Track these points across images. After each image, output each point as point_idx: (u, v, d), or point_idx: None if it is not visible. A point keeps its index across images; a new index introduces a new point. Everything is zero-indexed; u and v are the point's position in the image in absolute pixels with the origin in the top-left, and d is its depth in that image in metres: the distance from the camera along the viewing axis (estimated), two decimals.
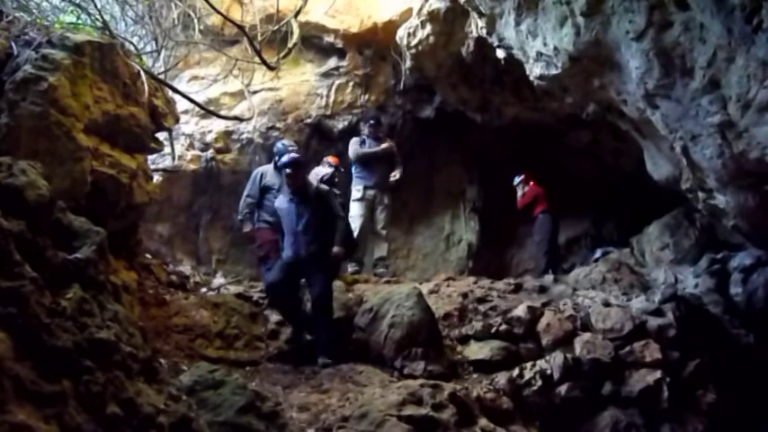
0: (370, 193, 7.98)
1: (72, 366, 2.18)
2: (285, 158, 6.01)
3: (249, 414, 3.36)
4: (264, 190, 6.86)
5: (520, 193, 8.87)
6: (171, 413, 2.55)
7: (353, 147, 8.09)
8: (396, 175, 8.07)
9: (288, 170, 5.77)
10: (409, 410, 4.28)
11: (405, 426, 4.12)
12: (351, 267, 7.75)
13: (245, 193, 6.98)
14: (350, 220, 7.56)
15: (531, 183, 8.79)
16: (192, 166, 9.13)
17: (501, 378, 5.31)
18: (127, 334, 2.61)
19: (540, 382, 5.27)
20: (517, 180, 8.93)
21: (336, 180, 7.60)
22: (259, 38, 7.80)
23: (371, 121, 8.33)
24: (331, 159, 7.72)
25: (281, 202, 5.92)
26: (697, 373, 5.59)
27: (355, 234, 7.53)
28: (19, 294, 2.11)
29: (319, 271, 5.59)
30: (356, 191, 7.98)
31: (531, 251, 9.34)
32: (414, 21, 8.08)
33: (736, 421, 5.52)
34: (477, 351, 5.73)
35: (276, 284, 5.68)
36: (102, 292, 2.63)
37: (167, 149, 7.08)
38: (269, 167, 7.07)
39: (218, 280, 7.89)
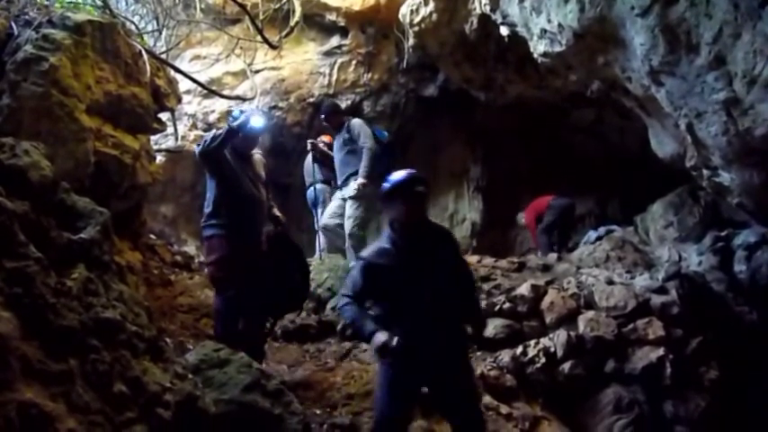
0: (337, 194, 6.98)
1: (78, 345, 2.19)
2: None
3: (254, 392, 3.39)
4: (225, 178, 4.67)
5: (525, 222, 8.88)
6: (177, 391, 2.57)
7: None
8: (360, 182, 6.52)
9: None
10: None
11: None
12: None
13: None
14: None
15: (526, 208, 8.79)
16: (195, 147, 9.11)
17: (505, 356, 5.34)
18: (132, 313, 2.63)
19: (543, 360, 5.30)
20: (520, 220, 8.96)
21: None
22: (261, 16, 7.74)
23: (322, 115, 7.30)
24: (326, 138, 7.67)
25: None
26: (700, 350, 5.61)
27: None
28: (24, 275, 2.12)
29: None
30: None
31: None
32: None
33: (739, 398, 5.55)
34: None
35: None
36: (107, 272, 2.64)
37: (170, 130, 7.06)
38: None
39: None
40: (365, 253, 3.65)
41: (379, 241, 3.68)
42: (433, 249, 3.56)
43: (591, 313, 5.81)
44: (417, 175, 3.61)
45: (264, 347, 4.81)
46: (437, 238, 3.65)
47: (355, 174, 6.63)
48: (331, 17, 9.40)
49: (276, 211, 4.99)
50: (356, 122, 6.98)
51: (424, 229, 3.61)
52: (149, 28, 6.66)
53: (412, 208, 3.52)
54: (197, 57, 9.23)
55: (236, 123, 4.52)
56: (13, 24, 4.47)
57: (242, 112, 4.72)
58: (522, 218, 8.87)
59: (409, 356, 3.29)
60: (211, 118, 9.33)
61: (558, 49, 5.48)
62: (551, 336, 5.54)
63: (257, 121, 4.62)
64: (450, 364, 3.49)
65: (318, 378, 4.71)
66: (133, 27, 5.90)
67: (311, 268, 5.48)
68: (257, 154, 5.02)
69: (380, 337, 3.23)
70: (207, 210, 4.66)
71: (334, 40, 9.65)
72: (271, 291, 4.57)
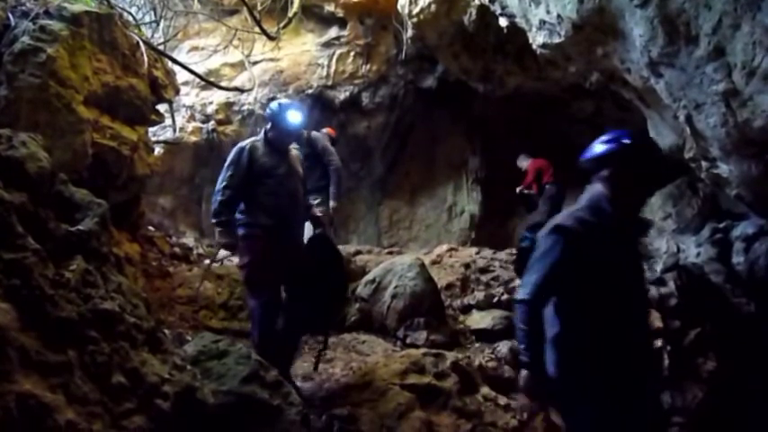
0: None
1: (77, 337, 2.19)
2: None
3: (253, 383, 3.39)
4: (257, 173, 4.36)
5: (527, 167, 8.86)
6: (176, 382, 2.57)
7: None
8: (333, 205, 6.13)
9: None
10: (412, 379, 4.33)
11: (408, 394, 4.17)
12: None
13: (224, 178, 4.44)
14: None
15: (531, 159, 8.78)
16: (194, 138, 9.11)
17: (503, 347, 5.36)
18: (131, 305, 2.63)
19: None
20: (522, 162, 8.94)
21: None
22: (259, 7, 7.72)
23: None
24: (329, 131, 7.61)
25: None
26: (698, 341, 5.63)
27: None
28: (22, 266, 2.12)
29: None
30: None
31: (535, 220, 9.32)
32: None
33: (736, 389, 5.57)
34: (480, 320, 5.77)
35: None
36: (105, 263, 2.64)
37: (168, 121, 7.05)
38: (259, 139, 4.51)
39: (222, 252, 7.85)
40: (563, 220, 2.57)
41: (579, 210, 2.60)
42: (636, 242, 2.73)
43: None
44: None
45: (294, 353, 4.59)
46: (641, 231, 2.90)
47: (316, 191, 6.14)
48: (329, 8, 9.37)
49: (316, 211, 4.75)
50: (320, 137, 6.58)
51: (638, 211, 2.72)
52: (147, 19, 6.64)
53: (649, 184, 2.69)
54: (195, 48, 9.21)
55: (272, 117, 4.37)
56: (11, 15, 4.46)
57: (280, 105, 4.50)
58: (525, 162, 8.86)
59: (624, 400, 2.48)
60: (209, 110, 9.32)
61: (556, 40, 5.46)
62: None
63: (295, 117, 4.41)
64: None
65: (317, 369, 4.72)
66: (131, 18, 5.88)
67: None
68: (294, 149, 4.77)
69: (528, 382, 2.57)
70: (240, 207, 4.41)
71: (333, 32, 9.62)
72: (312, 297, 4.32)
